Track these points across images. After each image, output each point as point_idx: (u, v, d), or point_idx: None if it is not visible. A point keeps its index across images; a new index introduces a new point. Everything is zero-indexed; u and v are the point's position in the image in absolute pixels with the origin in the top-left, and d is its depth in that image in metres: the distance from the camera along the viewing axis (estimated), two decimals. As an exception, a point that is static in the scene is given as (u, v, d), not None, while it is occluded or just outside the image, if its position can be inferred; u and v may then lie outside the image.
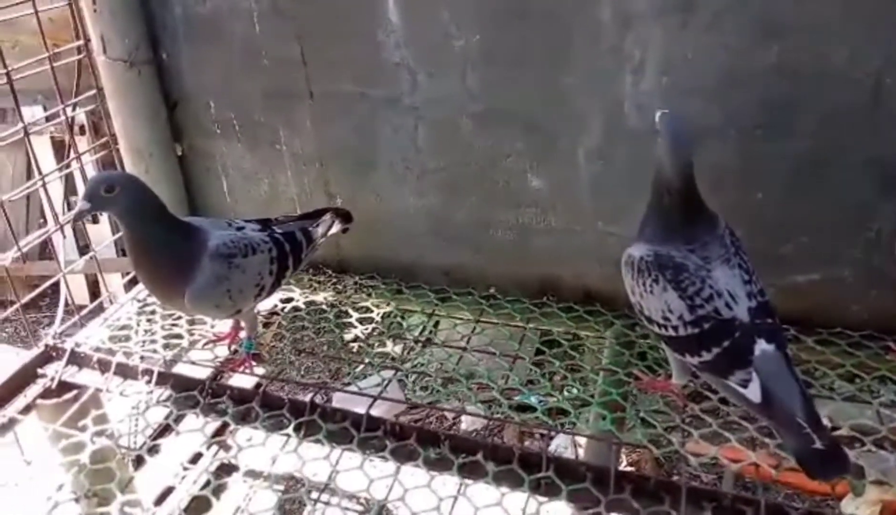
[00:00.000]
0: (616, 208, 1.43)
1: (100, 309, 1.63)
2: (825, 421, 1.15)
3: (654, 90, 1.32)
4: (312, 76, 1.52)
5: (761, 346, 1.01)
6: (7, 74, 1.35)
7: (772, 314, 1.06)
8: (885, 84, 1.19)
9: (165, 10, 1.53)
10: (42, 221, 3.61)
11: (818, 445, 0.94)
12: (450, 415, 1.59)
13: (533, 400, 1.76)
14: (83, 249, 3.61)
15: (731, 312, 1.04)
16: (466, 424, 1.83)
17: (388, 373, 1.33)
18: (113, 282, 3.32)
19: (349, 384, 1.31)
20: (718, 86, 1.28)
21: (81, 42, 1.52)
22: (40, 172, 1.45)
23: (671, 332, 1.08)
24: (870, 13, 1.16)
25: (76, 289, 3.14)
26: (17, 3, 1.42)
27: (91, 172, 1.87)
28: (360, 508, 1.65)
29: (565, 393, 1.31)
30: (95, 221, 3.55)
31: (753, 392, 1.00)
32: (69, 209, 3.07)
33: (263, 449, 1.18)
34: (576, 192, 1.46)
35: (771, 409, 0.99)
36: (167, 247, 1.16)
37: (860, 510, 1.46)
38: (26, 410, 1.35)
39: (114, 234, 1.79)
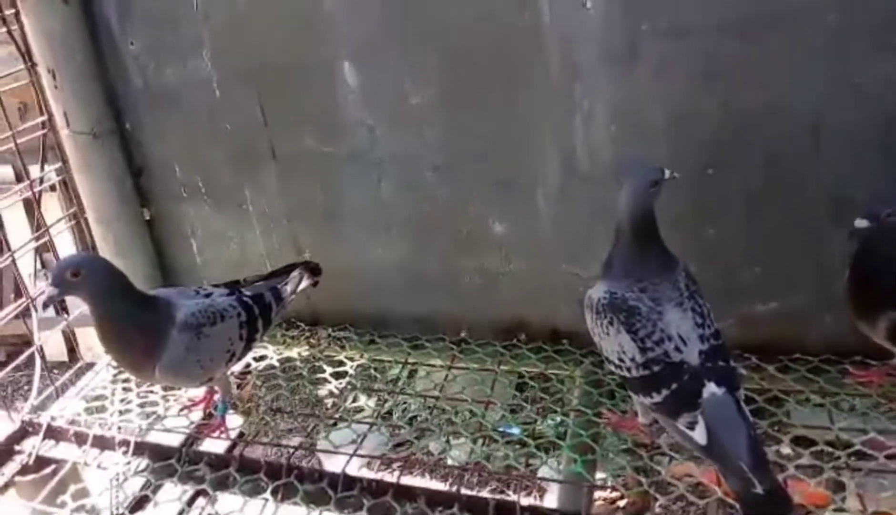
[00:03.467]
0: (577, 248, 1.47)
1: (77, 375, 1.64)
2: (788, 451, 1.20)
3: (604, 136, 1.36)
4: (274, 137, 1.55)
5: (710, 389, 1.05)
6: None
7: (724, 357, 1.09)
8: (826, 116, 1.24)
9: (126, 83, 1.56)
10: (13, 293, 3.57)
11: (758, 489, 0.96)
12: (428, 462, 1.61)
13: (515, 431, 1.79)
14: (61, 303, 3.59)
15: (681, 355, 1.07)
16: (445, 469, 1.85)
17: (362, 428, 1.35)
18: (91, 337, 3.30)
19: (325, 438, 1.33)
20: (667, 128, 1.32)
21: (45, 117, 1.54)
22: (9, 248, 1.46)
23: (626, 372, 1.12)
24: (809, 48, 1.20)
25: (54, 345, 3.11)
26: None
27: (65, 237, 1.90)
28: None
29: (537, 435, 1.33)
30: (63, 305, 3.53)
31: (699, 435, 1.03)
32: (43, 268, 3.05)
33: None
34: (537, 234, 1.49)
35: (715, 451, 1.02)
36: (134, 323, 1.18)
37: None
38: (4, 487, 1.35)
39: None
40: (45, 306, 1.12)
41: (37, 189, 1.54)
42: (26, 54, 1.51)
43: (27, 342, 1.57)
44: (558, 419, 1.33)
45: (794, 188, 1.32)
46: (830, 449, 1.16)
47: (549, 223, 1.48)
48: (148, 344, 1.18)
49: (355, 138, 1.50)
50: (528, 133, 1.41)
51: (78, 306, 1.41)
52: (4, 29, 1.46)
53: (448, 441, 1.32)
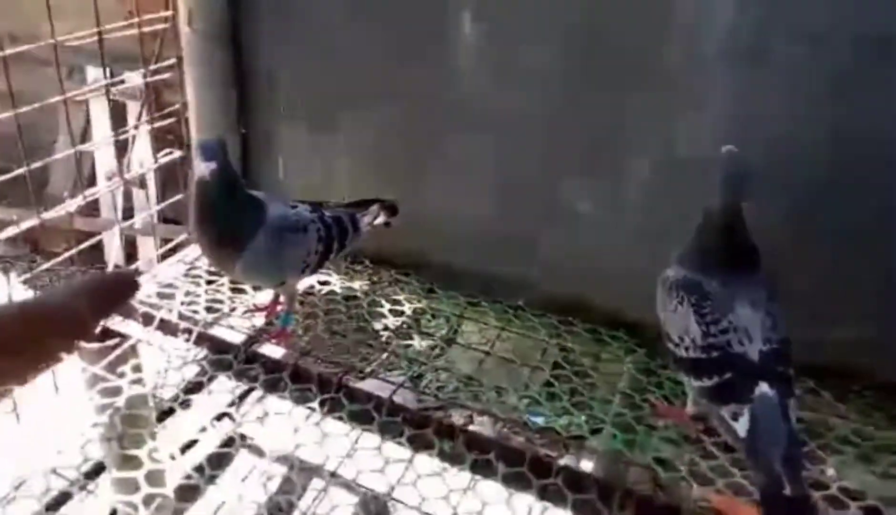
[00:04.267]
0: (660, 239, 1.45)
1: (145, 266, 1.71)
2: (831, 472, 1.19)
3: (711, 131, 1.36)
4: (383, 73, 1.58)
5: (763, 388, 1.05)
6: (99, 32, 1.45)
7: (786, 364, 1.09)
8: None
9: (251, -8, 1.62)
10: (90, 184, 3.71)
11: (786, 491, 0.96)
12: (463, 417, 1.64)
13: (539, 421, 1.80)
14: (126, 212, 3.73)
15: (743, 348, 1.08)
16: (479, 426, 1.87)
17: (412, 364, 1.39)
18: (147, 251, 3.43)
19: (374, 371, 1.37)
20: (777, 136, 1.31)
21: (170, 13, 1.61)
22: (117, 126, 1.54)
23: (683, 352, 1.13)
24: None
25: (113, 251, 3.25)
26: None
27: (144, 140, 1.97)
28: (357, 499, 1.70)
29: (580, 412, 1.34)
30: (143, 185, 3.68)
31: (741, 427, 1.04)
32: (125, 170, 3.17)
33: (288, 418, 1.23)
34: (621, 219, 1.50)
35: (751, 445, 1.03)
36: (233, 213, 1.23)
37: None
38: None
39: (158, 201, 1.87)
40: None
41: (148, 80, 1.61)
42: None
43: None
44: (605, 396, 1.34)
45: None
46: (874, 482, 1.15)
47: (636, 209, 1.48)
48: (237, 236, 1.24)
49: (461, 89, 1.53)
50: (633, 115, 1.42)
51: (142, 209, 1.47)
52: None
53: (495, 395, 1.34)
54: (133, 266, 1.75)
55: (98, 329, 1.44)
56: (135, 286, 0.34)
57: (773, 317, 1.12)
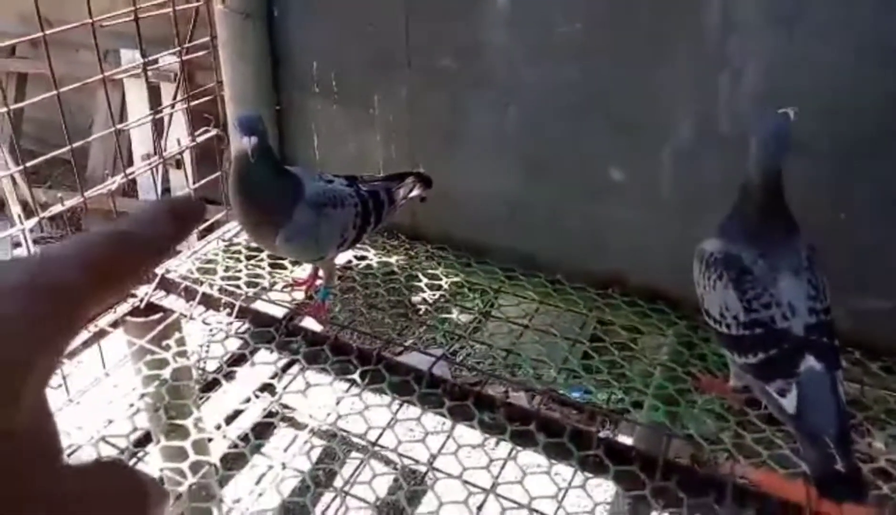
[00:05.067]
0: (698, 211, 1.43)
1: (183, 245, 1.74)
2: (878, 445, 1.17)
3: (749, 98, 1.32)
4: (414, 48, 1.57)
5: (809, 362, 1.03)
6: (135, 11, 1.47)
7: (830, 335, 1.07)
8: None
9: (283, -32, 1.62)
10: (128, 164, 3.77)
11: (839, 466, 0.94)
12: (500, 393, 1.64)
13: (576, 395, 1.80)
14: (164, 192, 3.79)
15: (787, 323, 1.06)
16: (515, 398, 1.88)
17: (451, 337, 1.39)
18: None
19: (414, 345, 1.37)
20: (819, 102, 1.27)
21: (204, -8, 1.62)
22: (152, 108, 1.56)
23: (724, 329, 1.11)
24: None
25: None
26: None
27: (179, 118, 1.99)
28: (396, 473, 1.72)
29: (620, 384, 1.34)
30: (179, 165, 3.73)
31: (789, 403, 1.02)
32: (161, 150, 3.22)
33: (329, 389, 1.25)
34: (657, 191, 1.48)
35: (802, 422, 1.01)
36: (272, 188, 1.24)
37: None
38: (115, 324, 1.46)
39: (195, 181, 1.89)
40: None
41: (185, 57, 1.62)
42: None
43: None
44: (645, 369, 1.33)
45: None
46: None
47: (672, 181, 1.46)
48: (277, 211, 1.25)
49: (493, 62, 1.51)
50: (669, 85, 1.39)
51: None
52: None
53: (534, 367, 1.34)
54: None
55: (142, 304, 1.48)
56: (203, 209, 0.35)
57: (815, 286, 1.09)
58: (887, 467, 1.10)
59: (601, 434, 1.14)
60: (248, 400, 1.33)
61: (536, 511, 1.05)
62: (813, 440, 0.99)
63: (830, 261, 1.19)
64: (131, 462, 1.17)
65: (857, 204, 1.32)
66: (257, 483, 1.57)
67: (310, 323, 1.37)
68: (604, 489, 1.19)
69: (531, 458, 1.15)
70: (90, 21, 1.42)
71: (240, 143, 1.19)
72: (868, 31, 1.21)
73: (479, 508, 1.08)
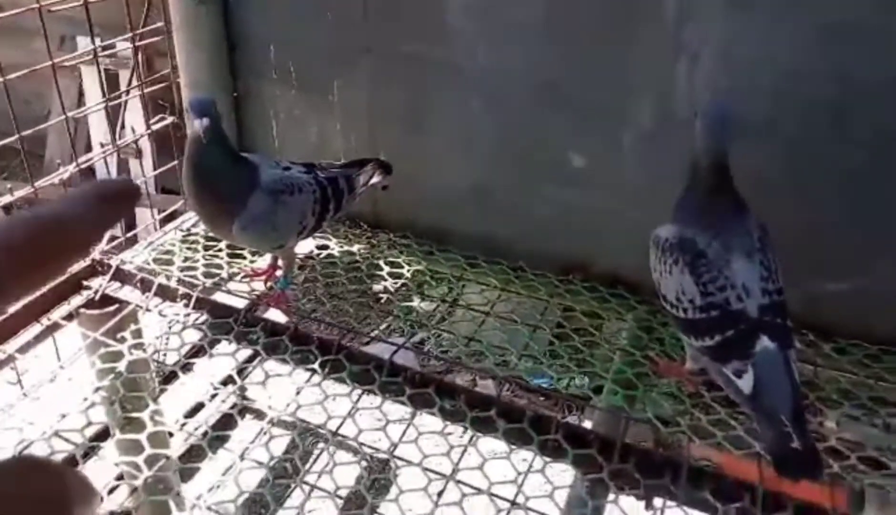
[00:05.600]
0: (659, 196, 1.44)
1: (141, 235, 1.70)
2: (830, 425, 1.19)
3: (706, 83, 1.33)
4: (373, 33, 1.56)
5: (763, 343, 1.05)
6: (85, 2, 1.43)
7: (783, 315, 1.09)
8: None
9: (237, -48, 1.58)
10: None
11: (795, 444, 0.97)
12: (466, 380, 1.65)
13: (542, 382, 1.80)
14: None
15: (741, 304, 1.07)
16: (481, 386, 1.89)
17: (412, 326, 1.38)
18: (144, 219, 3.42)
19: (378, 335, 1.37)
20: (775, 85, 1.29)
21: (156, -25, 1.58)
22: (104, 94, 1.52)
23: (681, 314, 1.12)
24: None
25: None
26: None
27: (136, 106, 1.95)
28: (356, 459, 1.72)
29: (581, 370, 1.34)
30: (139, 154, 3.65)
31: (745, 384, 1.03)
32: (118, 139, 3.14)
33: (289, 380, 1.24)
34: (618, 176, 1.48)
35: (757, 402, 1.03)
36: (227, 174, 1.22)
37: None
38: (69, 317, 1.43)
39: (154, 169, 1.86)
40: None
41: (139, 43, 1.58)
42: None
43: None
44: (605, 354, 1.34)
45: None
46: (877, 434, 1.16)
47: (633, 166, 1.46)
48: (232, 199, 1.22)
49: (454, 47, 1.50)
50: (627, 70, 1.39)
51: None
52: None
53: (496, 355, 1.34)
54: (131, 233, 1.74)
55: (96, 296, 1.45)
56: (137, 192, 0.33)
57: (768, 268, 1.11)
58: (838, 446, 1.12)
59: (566, 420, 1.14)
60: (207, 392, 1.31)
61: (496, 495, 1.05)
62: (769, 419, 1.01)
63: (785, 244, 1.21)
64: (86, 458, 1.15)
65: (811, 187, 1.34)
66: (223, 475, 1.55)
67: (270, 314, 1.36)
68: (568, 474, 1.20)
69: (493, 444, 1.16)
70: (37, 6, 1.37)
71: (194, 125, 1.16)
72: (825, 13, 1.22)
73: (440, 494, 1.08)
